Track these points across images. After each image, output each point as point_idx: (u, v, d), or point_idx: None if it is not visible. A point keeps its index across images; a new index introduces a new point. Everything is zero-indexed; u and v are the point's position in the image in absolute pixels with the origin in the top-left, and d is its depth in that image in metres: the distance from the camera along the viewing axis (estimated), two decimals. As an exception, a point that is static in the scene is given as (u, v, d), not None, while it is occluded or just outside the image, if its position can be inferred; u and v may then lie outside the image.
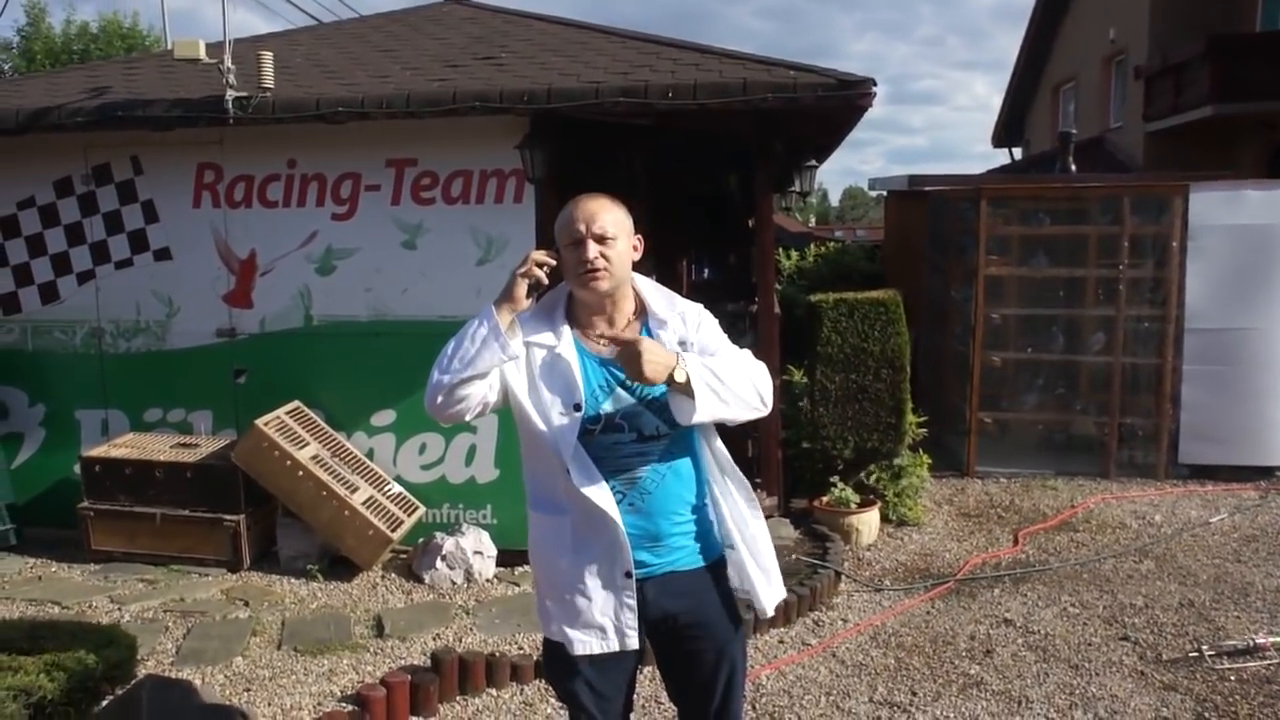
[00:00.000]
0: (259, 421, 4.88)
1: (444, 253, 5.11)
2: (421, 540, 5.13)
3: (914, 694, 3.95)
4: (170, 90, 5.16)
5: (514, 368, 2.17)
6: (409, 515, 5.12)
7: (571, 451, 2.12)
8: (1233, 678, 4.05)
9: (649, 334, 2.22)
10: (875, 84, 4.32)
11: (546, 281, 2.15)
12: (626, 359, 2.03)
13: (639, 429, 2.17)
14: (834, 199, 70.51)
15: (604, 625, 2.19)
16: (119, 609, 4.61)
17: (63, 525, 5.26)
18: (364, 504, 4.93)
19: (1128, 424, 7.26)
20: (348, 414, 5.33)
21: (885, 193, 11.84)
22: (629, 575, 2.16)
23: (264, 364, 5.38)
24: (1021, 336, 7.69)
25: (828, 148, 6.27)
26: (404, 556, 5.20)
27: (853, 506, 5.81)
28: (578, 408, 2.14)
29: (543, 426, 2.16)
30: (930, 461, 6.55)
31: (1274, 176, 13.45)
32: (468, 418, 2.16)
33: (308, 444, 5.01)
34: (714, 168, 9.47)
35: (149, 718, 3.32)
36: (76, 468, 5.28)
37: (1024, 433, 7.84)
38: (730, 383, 2.12)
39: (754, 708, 3.84)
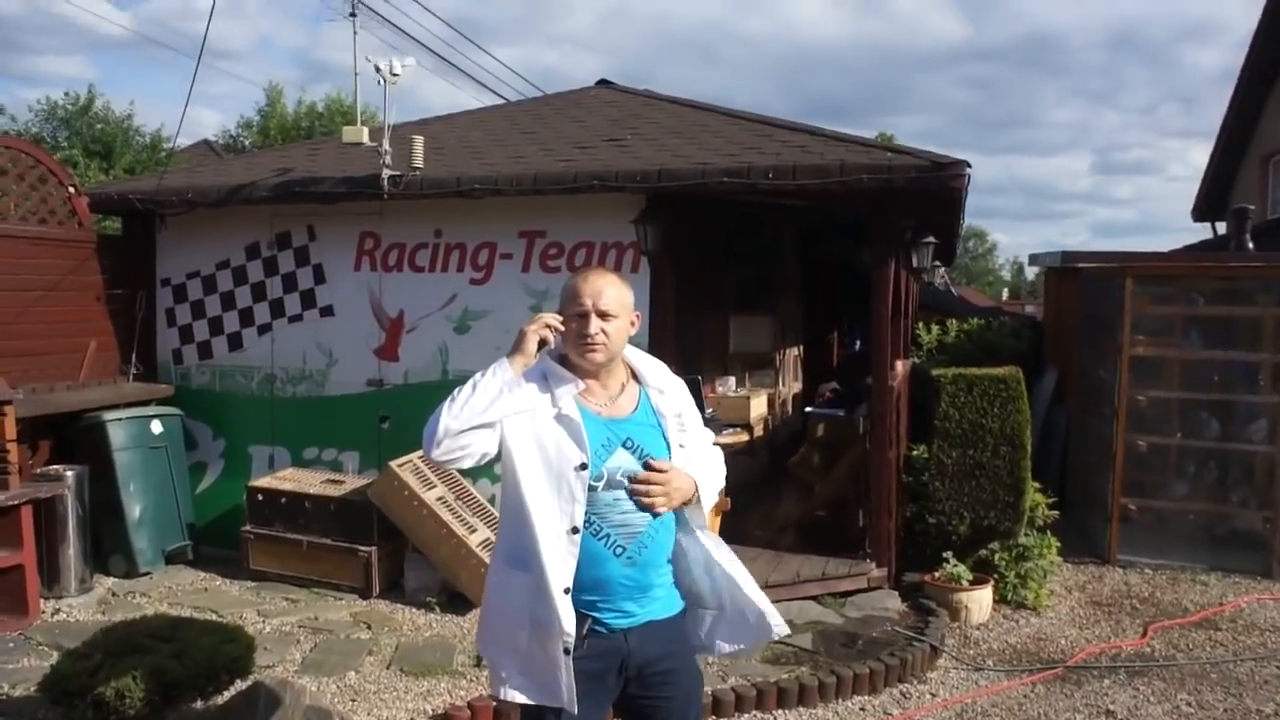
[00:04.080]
0: (392, 463, 5.43)
1: (566, 318, 5.54)
2: (531, 582, 5.48)
3: (981, 773, 3.90)
4: (340, 169, 5.94)
5: (516, 422, 2.27)
6: (521, 558, 5.49)
7: (582, 509, 2.24)
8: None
9: (647, 399, 2.42)
10: (969, 165, 4.43)
11: (553, 343, 2.34)
12: (657, 495, 2.28)
13: None
14: (1030, 273, 67.63)
15: (543, 682, 2.29)
16: (263, 621, 5.22)
17: (230, 546, 5.99)
18: (479, 545, 5.36)
19: (1293, 519, 6.73)
20: (474, 462, 5.80)
21: (1041, 268, 11.54)
22: (567, 652, 2.23)
23: (405, 412, 5.97)
24: (1172, 420, 7.31)
25: (949, 226, 6.32)
26: (516, 596, 5.56)
27: (964, 583, 5.72)
28: (584, 466, 2.24)
29: (546, 483, 2.25)
30: (1060, 544, 6.33)
31: None
32: (465, 465, 2.29)
33: (435, 486, 5.51)
34: (859, 241, 9.59)
35: (264, 711, 3.82)
36: (244, 496, 6.01)
37: (1175, 522, 7.38)
38: (718, 485, 2.51)
39: (814, 767, 3.92)
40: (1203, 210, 22.36)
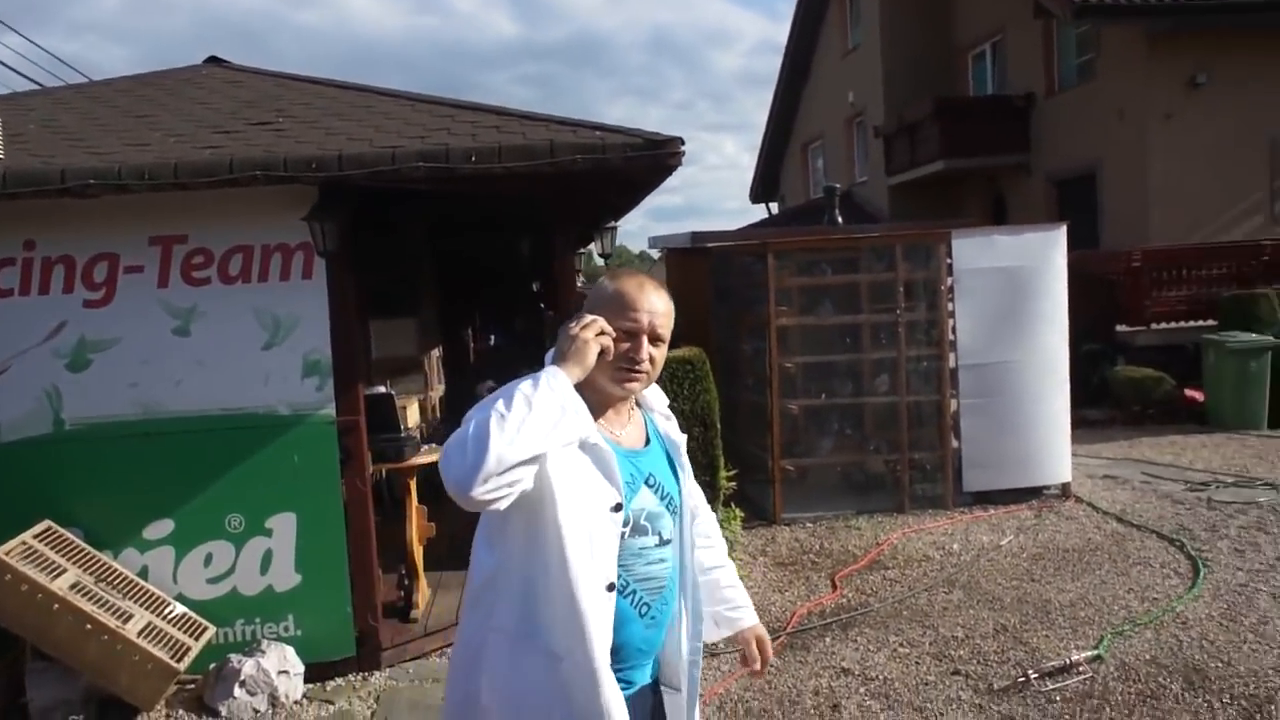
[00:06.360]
0: (-1, 550, 4.10)
1: (224, 338, 4.56)
2: (213, 665, 4.49)
3: (774, 764, 3.83)
4: None
5: (564, 451, 1.82)
6: (196, 639, 4.46)
7: (614, 560, 1.88)
8: (1058, 698, 4.23)
9: (654, 428, 2.09)
10: (683, 142, 4.29)
11: (611, 356, 1.90)
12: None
13: (659, 532, 1.98)
14: (599, 260, 72.39)
15: None
16: None
17: None
18: (141, 633, 4.25)
19: (916, 459, 7.61)
20: (114, 529, 4.60)
21: (660, 250, 12.10)
22: None
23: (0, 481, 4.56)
24: (813, 383, 7.94)
25: (623, 209, 6.23)
26: (192, 687, 4.53)
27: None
28: (618, 508, 1.88)
29: (582, 528, 1.84)
30: (741, 514, 6.58)
31: (998, 222, 15.02)
32: (502, 506, 1.76)
33: (64, 570, 4.27)
34: (499, 231, 9.29)
35: None
36: None
37: (824, 476, 8.07)
38: None
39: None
40: (758, 193, 25.34)
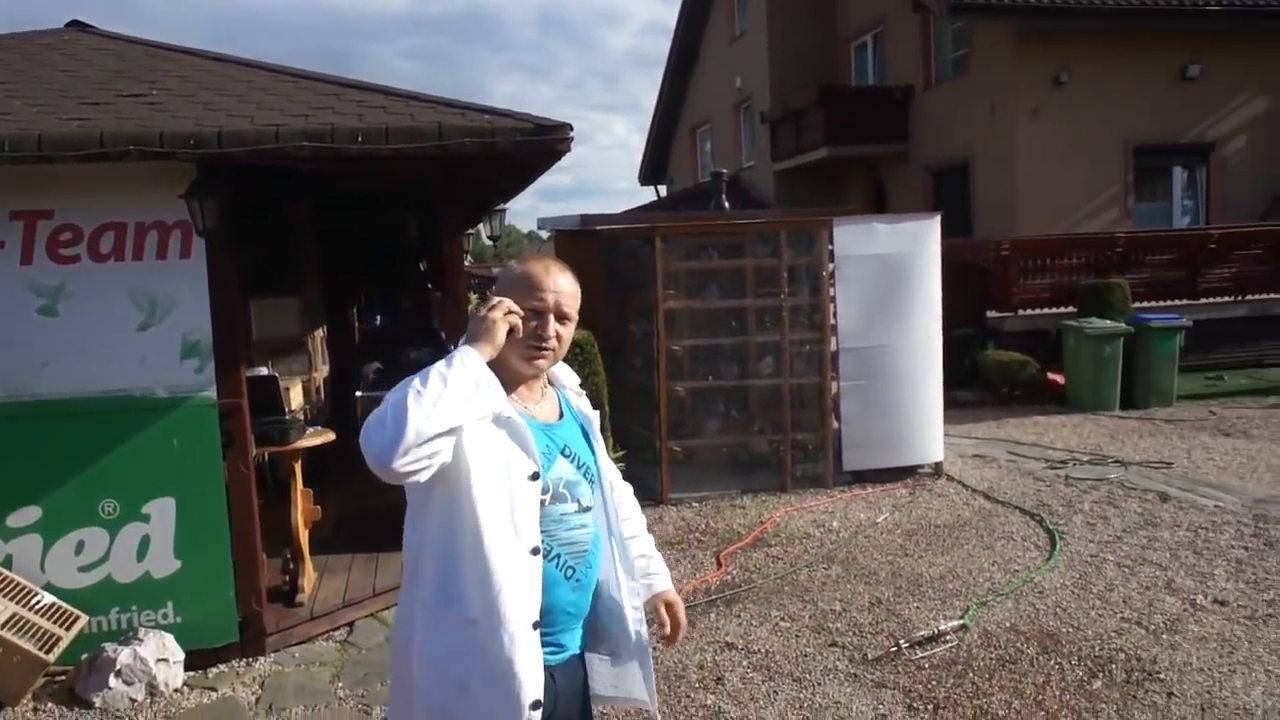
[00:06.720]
0: None
1: (96, 318, 4.37)
2: (86, 656, 4.33)
3: (659, 736, 3.94)
4: None
5: (478, 425, 1.91)
6: (67, 629, 4.30)
7: (537, 526, 1.98)
8: (927, 665, 4.48)
9: (566, 403, 2.19)
10: (572, 128, 4.32)
11: (520, 334, 1.99)
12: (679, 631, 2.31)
13: (579, 499, 2.09)
14: (485, 239, 71.48)
15: None
16: None
17: None
18: (4, 625, 4.08)
19: (799, 439, 7.86)
20: (-27, 518, 4.39)
21: (550, 232, 12.11)
22: (536, 706, 1.96)
23: None
24: (700, 365, 8.10)
25: (512, 191, 6.20)
26: (63, 679, 4.36)
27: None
28: (535, 476, 1.99)
29: (502, 496, 1.94)
30: (630, 494, 6.68)
31: (879, 210, 15.57)
32: (423, 478, 1.86)
33: (-80, 562, 4.06)
34: (386, 210, 9.12)
35: None
36: None
37: (710, 456, 8.26)
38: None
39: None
40: (647, 175, 25.49)
